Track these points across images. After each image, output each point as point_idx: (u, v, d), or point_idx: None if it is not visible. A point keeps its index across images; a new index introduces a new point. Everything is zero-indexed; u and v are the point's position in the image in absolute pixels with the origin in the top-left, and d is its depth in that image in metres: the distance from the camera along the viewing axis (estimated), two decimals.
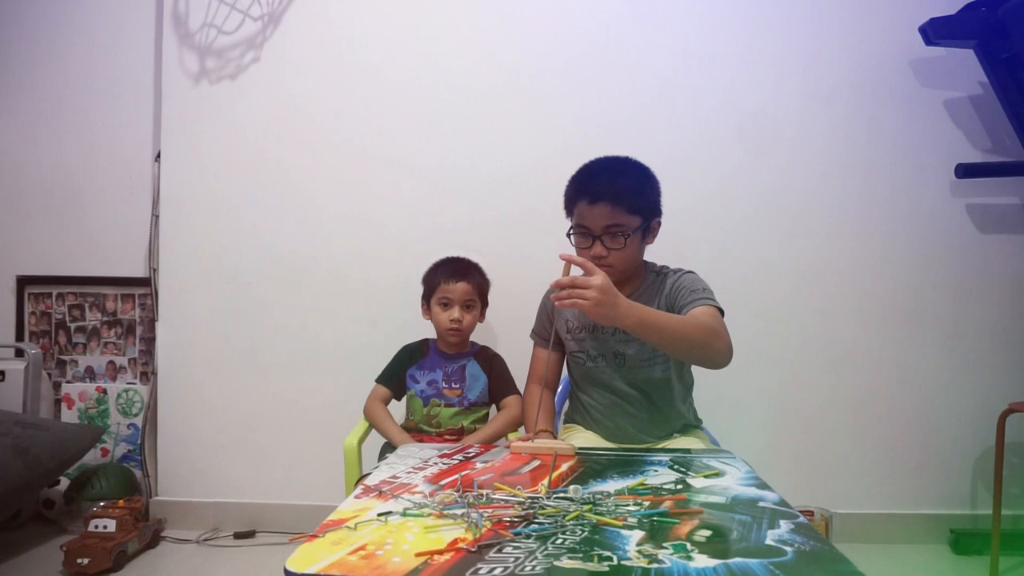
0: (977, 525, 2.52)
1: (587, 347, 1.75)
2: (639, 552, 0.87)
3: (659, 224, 1.71)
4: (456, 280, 2.08)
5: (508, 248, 2.54)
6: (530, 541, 0.91)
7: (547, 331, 1.83)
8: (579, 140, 2.55)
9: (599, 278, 1.33)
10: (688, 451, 1.52)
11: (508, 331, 2.47)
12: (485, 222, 2.59)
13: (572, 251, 1.62)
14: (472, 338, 2.19)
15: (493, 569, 0.82)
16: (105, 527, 2.28)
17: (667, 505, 1.06)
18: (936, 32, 2.41)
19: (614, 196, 1.59)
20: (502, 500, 1.07)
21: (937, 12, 2.42)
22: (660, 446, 1.70)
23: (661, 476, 1.24)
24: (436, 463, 1.36)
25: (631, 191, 1.61)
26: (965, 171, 2.51)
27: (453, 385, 2.09)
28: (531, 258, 2.38)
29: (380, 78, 2.62)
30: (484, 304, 2.17)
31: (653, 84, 2.58)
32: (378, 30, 2.62)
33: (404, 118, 2.62)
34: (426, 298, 2.15)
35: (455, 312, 2.07)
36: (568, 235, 1.67)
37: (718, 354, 1.48)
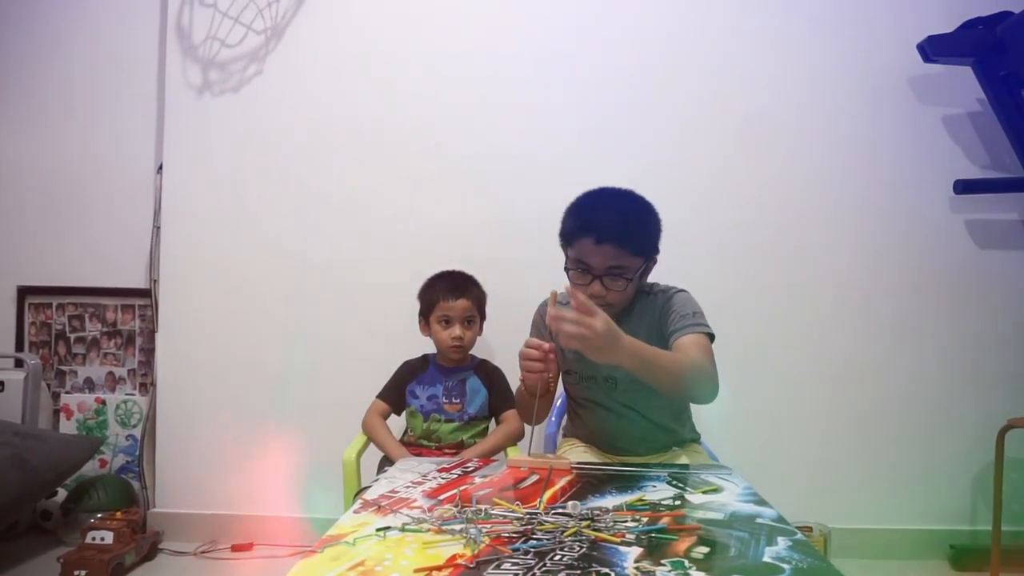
0: (977, 541, 2.51)
1: (579, 368, 1.73)
2: (637, 569, 0.87)
3: (656, 262, 1.67)
4: (455, 297, 2.07)
5: (510, 259, 2.54)
6: (528, 557, 0.91)
7: None
8: (579, 147, 2.59)
9: (600, 322, 1.27)
10: (686, 467, 1.52)
11: (505, 344, 2.47)
12: (487, 232, 2.60)
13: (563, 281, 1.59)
14: (472, 351, 2.19)
15: None
16: (102, 539, 2.28)
17: (665, 521, 1.06)
18: (934, 49, 2.43)
19: (620, 237, 1.52)
20: (500, 516, 1.07)
21: (935, 30, 2.44)
22: (658, 461, 1.70)
23: (659, 492, 1.24)
24: (435, 477, 1.36)
25: (638, 233, 1.56)
26: (964, 187, 2.52)
27: (453, 400, 2.09)
28: (531, 269, 2.37)
29: (383, 90, 2.64)
30: (483, 318, 2.17)
31: (652, 95, 2.60)
32: (381, 42, 2.64)
33: (407, 129, 2.63)
34: (424, 315, 2.14)
35: (456, 330, 2.07)
36: (565, 269, 1.62)
37: (705, 396, 1.49)
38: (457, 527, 1.01)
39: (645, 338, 1.59)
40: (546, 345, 1.48)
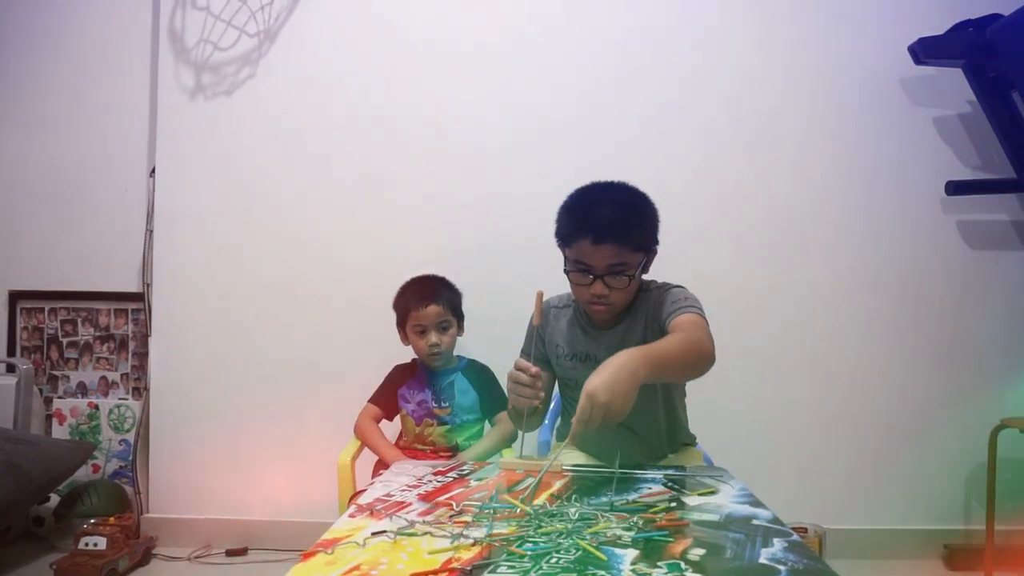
0: (971, 540, 2.52)
1: (574, 376, 1.67)
2: (633, 571, 0.87)
3: (656, 252, 1.62)
4: (425, 304, 2.05)
5: (500, 261, 2.54)
6: (524, 561, 0.90)
7: (536, 352, 1.72)
8: (573, 150, 2.58)
9: (589, 408, 1.21)
10: (682, 469, 1.52)
11: (496, 346, 2.46)
12: (476, 237, 2.60)
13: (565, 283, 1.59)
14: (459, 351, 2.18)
15: None
16: (96, 544, 2.26)
17: (661, 523, 1.06)
18: (925, 51, 2.44)
19: (619, 235, 1.48)
20: (498, 519, 1.07)
21: (926, 32, 2.45)
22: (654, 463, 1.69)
23: (654, 494, 1.24)
24: (430, 480, 1.35)
25: (636, 228, 1.52)
26: (955, 188, 2.53)
27: (443, 403, 2.08)
28: (523, 274, 2.37)
29: (375, 95, 2.64)
30: (460, 318, 2.15)
31: (643, 97, 2.61)
32: (374, 47, 2.64)
33: (397, 136, 2.63)
34: (400, 325, 2.12)
35: (432, 337, 2.05)
36: (565, 271, 1.58)
37: (708, 364, 1.44)
38: (454, 531, 1.01)
39: (641, 334, 1.60)
40: (534, 369, 1.44)
